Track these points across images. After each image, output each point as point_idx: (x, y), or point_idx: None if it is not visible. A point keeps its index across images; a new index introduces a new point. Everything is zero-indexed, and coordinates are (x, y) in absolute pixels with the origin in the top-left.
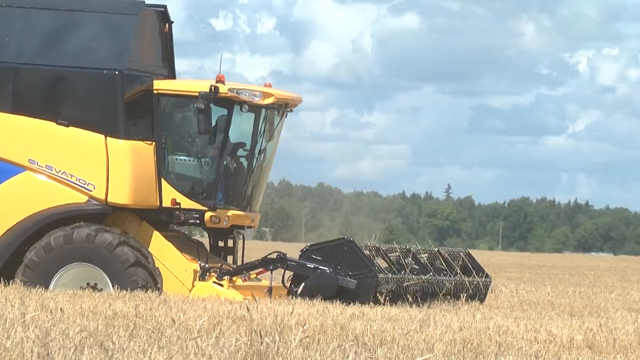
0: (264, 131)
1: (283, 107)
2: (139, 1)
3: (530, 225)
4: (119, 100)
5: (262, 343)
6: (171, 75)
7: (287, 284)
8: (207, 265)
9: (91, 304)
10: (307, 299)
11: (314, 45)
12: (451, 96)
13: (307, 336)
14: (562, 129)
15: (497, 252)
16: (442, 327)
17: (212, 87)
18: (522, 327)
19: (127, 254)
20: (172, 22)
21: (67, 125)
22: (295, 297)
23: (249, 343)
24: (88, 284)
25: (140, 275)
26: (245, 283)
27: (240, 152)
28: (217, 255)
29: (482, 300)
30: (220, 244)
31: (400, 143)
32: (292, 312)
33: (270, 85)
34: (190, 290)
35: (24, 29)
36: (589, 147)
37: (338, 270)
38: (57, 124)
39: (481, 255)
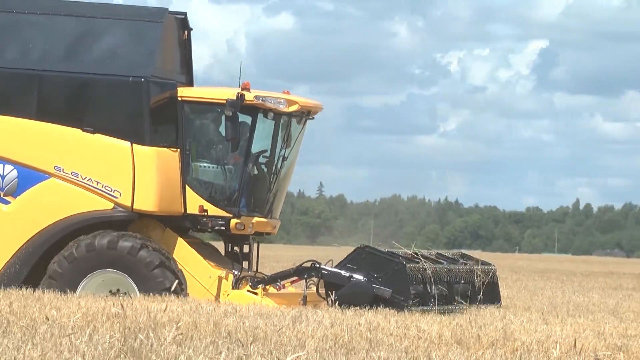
0: (286, 138)
1: (305, 114)
2: (163, 8)
3: (401, 223)
4: (145, 107)
5: (135, 340)
6: (189, 81)
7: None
8: (240, 274)
9: None
10: (343, 307)
11: None
12: (325, 96)
13: (181, 333)
14: (433, 128)
15: None
16: (314, 324)
17: (239, 95)
18: (392, 324)
19: (150, 256)
20: (192, 29)
21: (93, 132)
22: (332, 306)
23: (122, 340)
24: (110, 291)
25: (167, 277)
26: (280, 292)
27: (262, 159)
28: (234, 261)
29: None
30: (236, 249)
31: None
32: (165, 309)
33: (289, 93)
34: (215, 297)
35: (48, 35)
36: (459, 146)
37: (372, 279)
38: (83, 130)
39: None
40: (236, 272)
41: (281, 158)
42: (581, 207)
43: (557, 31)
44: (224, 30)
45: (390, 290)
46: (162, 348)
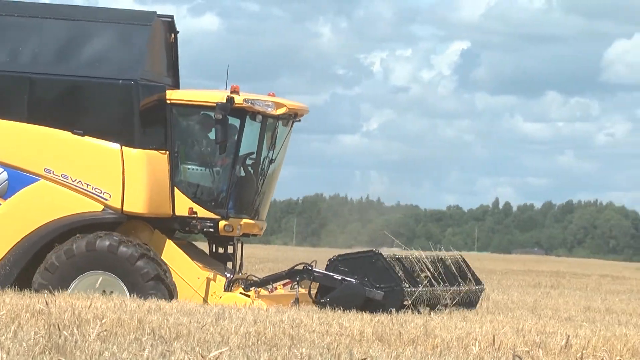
0: (274, 141)
1: (292, 117)
2: (151, 11)
3: (323, 221)
4: (135, 109)
5: (60, 336)
6: (175, 84)
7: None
8: (232, 277)
9: None
10: (335, 309)
11: None
12: None
13: (105, 330)
14: (356, 128)
15: (291, 247)
16: (238, 321)
17: (229, 98)
18: (315, 320)
19: (148, 267)
20: (178, 32)
21: (83, 135)
22: (323, 308)
23: (47, 336)
24: (104, 291)
25: (159, 290)
26: (272, 294)
27: (249, 161)
28: (219, 262)
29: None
30: (220, 250)
31: None
32: (90, 306)
33: (274, 95)
34: (203, 299)
35: (38, 38)
36: (381, 146)
37: (365, 282)
38: (73, 133)
39: (276, 251)
40: (228, 275)
41: (268, 160)
42: (501, 205)
43: (478, 32)
44: None
45: (382, 293)
46: (87, 344)
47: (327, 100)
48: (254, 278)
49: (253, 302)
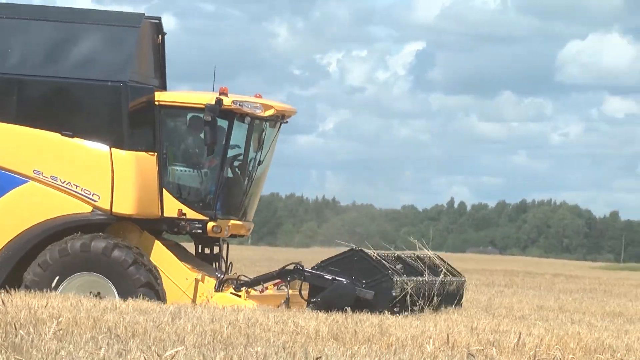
0: (261, 142)
1: (280, 118)
2: (139, 13)
3: (279, 221)
4: (124, 111)
5: (16, 335)
6: (162, 86)
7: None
8: (223, 277)
9: None
10: (325, 310)
11: None
12: None
13: (61, 329)
14: (312, 128)
15: (247, 247)
16: (194, 319)
17: (218, 100)
18: (270, 319)
19: (139, 274)
20: (165, 33)
21: (72, 136)
22: (314, 308)
23: (3, 335)
24: (91, 292)
25: (150, 296)
26: (263, 294)
27: (237, 162)
28: (206, 263)
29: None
30: (207, 250)
31: None
32: (46, 305)
33: (261, 96)
34: (192, 299)
35: (26, 40)
36: (337, 146)
37: (354, 281)
38: (62, 134)
39: (232, 251)
40: (219, 275)
41: (256, 161)
42: (456, 205)
43: (433, 33)
44: None
45: (373, 292)
46: (43, 343)
47: (283, 100)
48: (245, 278)
49: (245, 302)
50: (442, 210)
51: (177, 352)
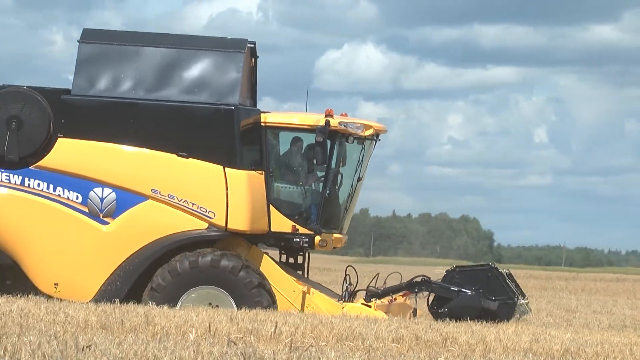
0: (361, 160)
1: (376, 137)
2: (243, 39)
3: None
4: (236, 132)
5: None
6: (253, 105)
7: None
8: (354, 288)
9: None
10: (452, 320)
11: None
12: None
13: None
14: None
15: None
16: None
17: (327, 122)
18: (42, 310)
19: (250, 277)
20: (258, 57)
21: (187, 157)
22: (440, 319)
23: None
24: (210, 304)
25: (263, 296)
26: (392, 304)
27: (338, 179)
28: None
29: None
30: (291, 260)
31: None
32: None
33: (346, 115)
34: (300, 310)
35: (138, 65)
36: None
37: (479, 293)
38: (178, 155)
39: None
40: (348, 286)
41: (356, 178)
42: None
43: None
44: None
45: (497, 303)
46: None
47: None
48: (374, 289)
49: (375, 312)
50: None
51: None
